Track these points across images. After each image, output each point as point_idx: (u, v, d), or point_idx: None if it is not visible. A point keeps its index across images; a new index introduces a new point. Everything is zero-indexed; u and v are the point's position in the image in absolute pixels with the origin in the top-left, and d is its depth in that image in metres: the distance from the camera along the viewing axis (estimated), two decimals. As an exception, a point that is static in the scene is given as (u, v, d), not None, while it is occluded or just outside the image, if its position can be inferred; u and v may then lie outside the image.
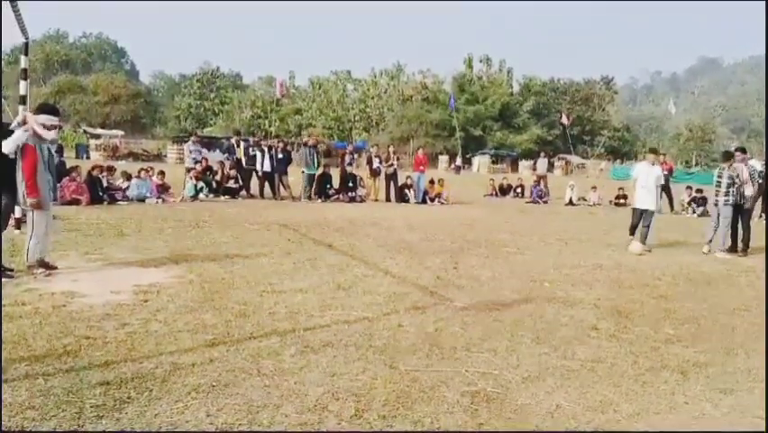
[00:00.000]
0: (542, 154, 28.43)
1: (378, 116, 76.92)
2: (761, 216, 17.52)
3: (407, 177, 20.51)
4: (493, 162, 60.20)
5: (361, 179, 20.20)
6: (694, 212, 20.20)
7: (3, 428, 3.39)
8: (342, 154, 22.38)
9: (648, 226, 11.41)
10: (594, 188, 24.04)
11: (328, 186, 19.34)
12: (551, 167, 47.29)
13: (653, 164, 11.68)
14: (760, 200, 16.65)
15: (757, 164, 12.92)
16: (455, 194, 21.11)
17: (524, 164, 56.68)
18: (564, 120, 57.07)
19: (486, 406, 4.01)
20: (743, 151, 12.24)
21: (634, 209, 11.93)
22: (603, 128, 77.02)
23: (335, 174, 20.22)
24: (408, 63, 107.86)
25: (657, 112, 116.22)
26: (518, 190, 24.94)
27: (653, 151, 12.60)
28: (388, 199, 19.79)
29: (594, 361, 5.02)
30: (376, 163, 20.07)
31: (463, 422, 3.75)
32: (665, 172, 21.00)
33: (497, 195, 24.68)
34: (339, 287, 7.11)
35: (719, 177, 11.61)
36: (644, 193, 11.50)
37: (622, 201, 22.33)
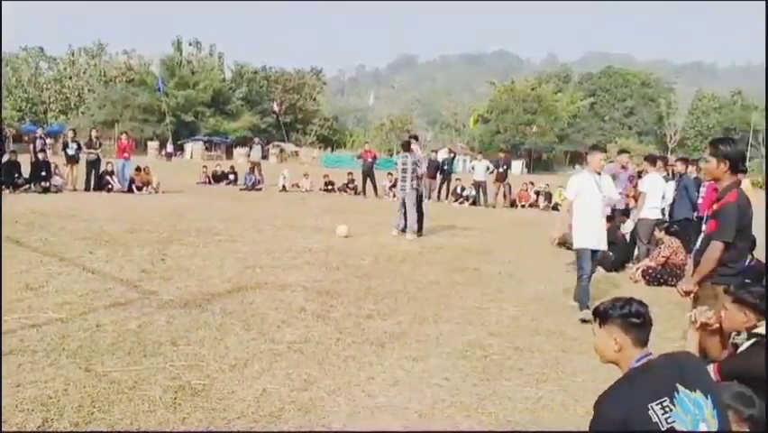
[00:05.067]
0: (255, 141, 28.54)
1: (77, 98, 70.59)
2: (429, 198, 19.97)
3: (108, 163, 19.07)
4: (207, 149, 58.99)
5: (57, 166, 18.26)
6: (395, 196, 21.93)
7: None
8: (33, 139, 19.98)
9: (600, 266, 8.05)
10: (306, 175, 24.84)
11: (17, 175, 17.07)
12: (265, 154, 47.77)
13: (598, 173, 7.03)
14: (430, 185, 20.13)
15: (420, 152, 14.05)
16: (166, 182, 20.17)
17: (238, 151, 56.36)
18: (275, 108, 57.88)
19: (190, 399, 3.90)
20: (416, 138, 13.16)
21: (581, 251, 6.85)
22: (314, 117, 79.93)
23: (25, 161, 17.94)
24: (111, 42, 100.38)
25: (362, 104, 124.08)
26: (232, 177, 24.77)
27: (597, 148, 7.49)
28: (88, 189, 18.19)
29: (301, 342, 5.18)
30: (73, 149, 18.27)
31: (165, 419, 3.61)
32: (369, 160, 22.62)
33: (210, 182, 24.21)
34: (27, 287, 6.35)
35: (404, 164, 11.99)
36: (595, 223, 6.95)
37: (330, 188, 23.57)
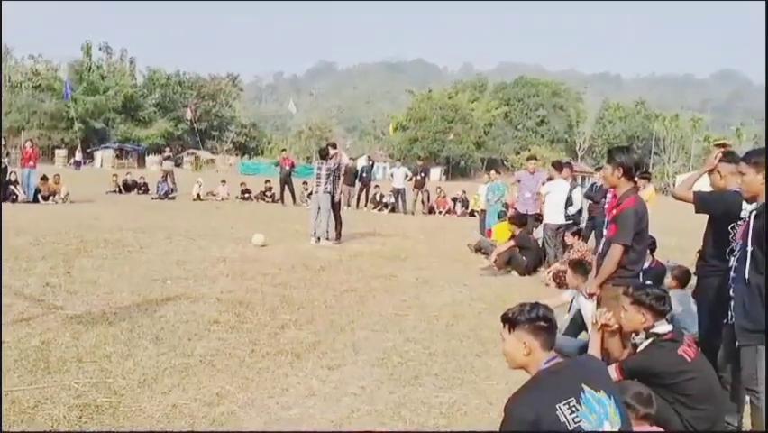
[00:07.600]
0: (167, 149, 27.85)
1: (-21, 105, 66.96)
2: (348, 205, 20.46)
3: (11, 172, 18.14)
4: (118, 157, 57.02)
5: (-45, 176, 17.22)
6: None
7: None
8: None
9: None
10: (223, 182, 24.39)
11: None
12: (179, 162, 46.64)
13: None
14: (349, 192, 20.75)
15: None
16: (74, 191, 19.35)
17: (151, 159, 54.77)
18: (189, 114, 56.33)
19: (96, 418, 3.75)
20: (334, 146, 13.20)
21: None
22: (230, 124, 78.61)
23: None
24: (16, 47, 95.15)
25: (281, 110, 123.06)
26: (144, 186, 24.02)
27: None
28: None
29: (213, 354, 5.06)
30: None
31: (68, 439, 3.46)
32: (287, 167, 22.45)
33: (121, 191, 23.38)
34: None
35: (319, 170, 12.12)
36: None
37: (247, 195, 23.25)
